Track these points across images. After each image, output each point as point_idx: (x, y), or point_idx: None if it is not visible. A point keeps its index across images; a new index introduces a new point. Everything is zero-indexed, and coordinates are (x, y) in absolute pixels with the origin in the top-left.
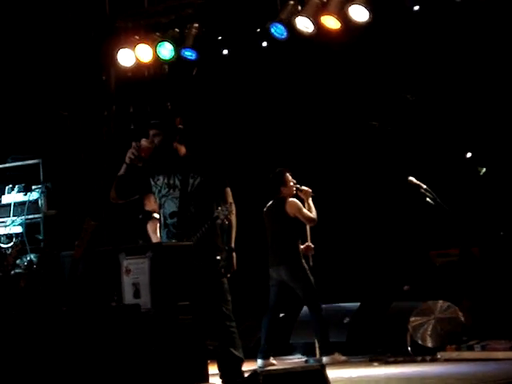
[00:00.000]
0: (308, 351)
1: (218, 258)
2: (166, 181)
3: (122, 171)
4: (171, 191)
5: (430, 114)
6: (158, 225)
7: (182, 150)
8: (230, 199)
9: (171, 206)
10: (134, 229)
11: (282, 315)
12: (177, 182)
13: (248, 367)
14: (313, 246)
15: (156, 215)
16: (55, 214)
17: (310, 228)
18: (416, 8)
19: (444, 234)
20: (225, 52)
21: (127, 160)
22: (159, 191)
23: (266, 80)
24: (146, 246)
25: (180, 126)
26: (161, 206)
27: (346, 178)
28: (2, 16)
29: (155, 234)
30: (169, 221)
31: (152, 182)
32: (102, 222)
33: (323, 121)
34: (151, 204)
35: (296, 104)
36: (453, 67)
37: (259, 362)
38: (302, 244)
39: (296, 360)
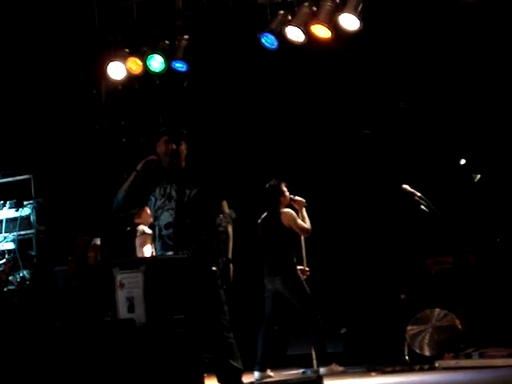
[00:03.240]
0: (305, 363)
1: (214, 268)
2: (162, 192)
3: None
4: (167, 202)
5: (423, 121)
6: (150, 238)
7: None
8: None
9: (167, 217)
10: (127, 242)
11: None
12: (173, 193)
13: (245, 380)
14: (308, 269)
15: (146, 229)
16: (46, 229)
17: (305, 241)
18: None
19: (439, 241)
20: (215, 62)
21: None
22: (155, 202)
23: (258, 90)
24: (139, 260)
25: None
26: (156, 218)
27: (339, 187)
28: None
29: (141, 248)
30: (164, 232)
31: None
32: (94, 237)
33: (316, 130)
34: (143, 217)
35: (288, 113)
36: (445, 74)
37: (256, 374)
38: (296, 255)
39: (293, 372)
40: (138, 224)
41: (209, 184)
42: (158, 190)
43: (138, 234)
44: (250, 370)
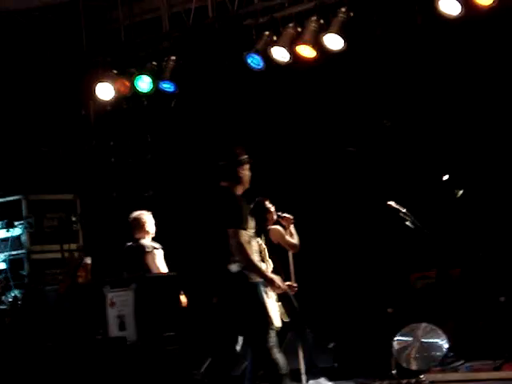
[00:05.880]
0: (294, 377)
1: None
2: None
3: None
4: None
5: (407, 139)
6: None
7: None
8: None
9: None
10: (118, 261)
11: None
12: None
13: None
14: (296, 285)
15: (154, 244)
16: (39, 249)
17: (293, 257)
18: None
19: (424, 256)
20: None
21: None
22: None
23: (244, 109)
24: (130, 279)
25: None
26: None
27: (325, 204)
28: None
29: (155, 263)
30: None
31: None
32: (86, 256)
33: (301, 147)
34: (142, 231)
35: (274, 132)
36: (427, 91)
37: None
38: (284, 271)
39: None
40: (139, 239)
41: None
42: None
43: (147, 249)
44: None
